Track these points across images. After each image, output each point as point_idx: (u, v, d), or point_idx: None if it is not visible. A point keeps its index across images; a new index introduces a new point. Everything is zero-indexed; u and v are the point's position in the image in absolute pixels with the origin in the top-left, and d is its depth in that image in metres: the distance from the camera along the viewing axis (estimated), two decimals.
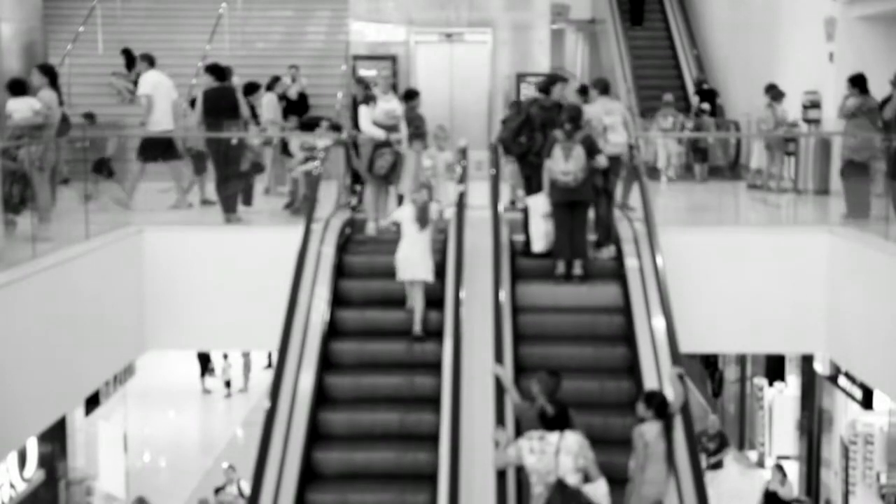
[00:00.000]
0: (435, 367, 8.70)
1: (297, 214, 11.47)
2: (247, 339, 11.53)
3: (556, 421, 6.78)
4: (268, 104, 13.38)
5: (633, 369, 8.87)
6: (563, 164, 9.52)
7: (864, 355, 9.94)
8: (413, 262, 9.15)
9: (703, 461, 13.14)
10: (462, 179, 10.46)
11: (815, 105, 14.00)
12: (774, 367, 16.03)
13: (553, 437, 6.72)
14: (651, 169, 14.89)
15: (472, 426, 7.61)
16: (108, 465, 14.23)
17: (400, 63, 18.35)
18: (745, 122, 15.96)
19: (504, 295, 8.94)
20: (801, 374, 14.89)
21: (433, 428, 8.22)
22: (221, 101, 11.39)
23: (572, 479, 6.63)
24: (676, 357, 8.02)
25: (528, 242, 10.24)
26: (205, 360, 20.98)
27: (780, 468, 13.46)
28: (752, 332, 10.51)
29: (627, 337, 9.19)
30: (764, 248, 10.45)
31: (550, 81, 10.60)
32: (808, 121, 14.14)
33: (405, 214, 9.32)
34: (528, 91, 16.53)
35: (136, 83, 13.29)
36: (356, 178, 11.79)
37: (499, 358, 7.95)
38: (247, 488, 10.25)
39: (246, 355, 20.73)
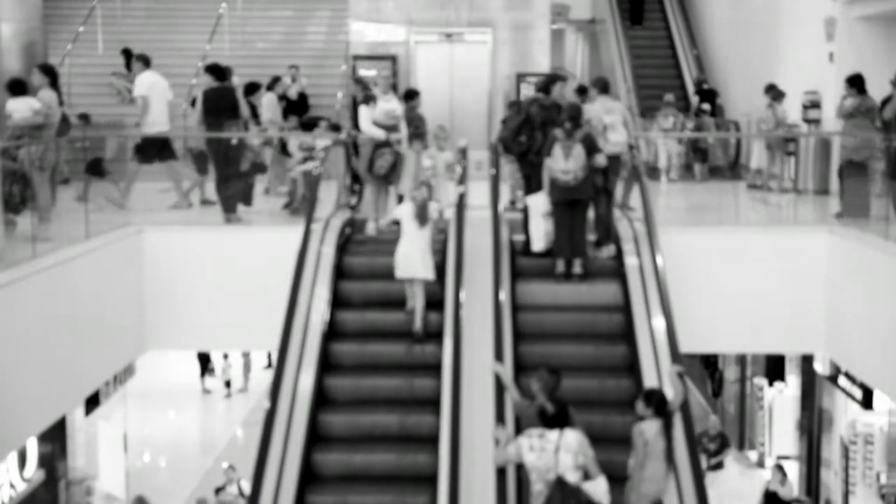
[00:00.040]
0: (435, 368, 8.69)
1: (295, 214, 11.47)
2: (247, 339, 11.53)
3: (556, 419, 6.79)
4: (268, 104, 13.39)
5: (632, 368, 8.88)
6: (563, 162, 9.53)
7: (864, 355, 9.94)
8: (412, 260, 9.14)
9: (704, 462, 13.15)
10: (462, 180, 10.45)
11: (815, 105, 14.01)
12: (774, 367, 16.03)
13: (553, 434, 6.73)
14: (651, 169, 14.90)
15: (472, 428, 7.60)
16: (108, 465, 14.23)
17: (400, 63, 18.36)
18: (745, 122, 15.96)
19: (504, 294, 8.94)
20: (801, 374, 14.89)
21: (433, 430, 8.21)
22: (221, 101, 11.39)
23: (572, 477, 6.64)
24: (676, 355, 8.03)
25: (528, 242, 10.24)
26: (205, 360, 20.98)
27: (780, 468, 13.46)
28: (752, 332, 10.51)
29: (627, 335, 9.19)
30: (764, 248, 10.45)
31: (550, 81, 10.62)
32: (808, 121, 14.15)
33: (405, 212, 9.31)
34: (528, 91, 16.53)
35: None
36: (356, 178, 11.79)
37: (499, 356, 7.96)
38: (247, 488, 10.25)
39: (246, 355, 20.73)
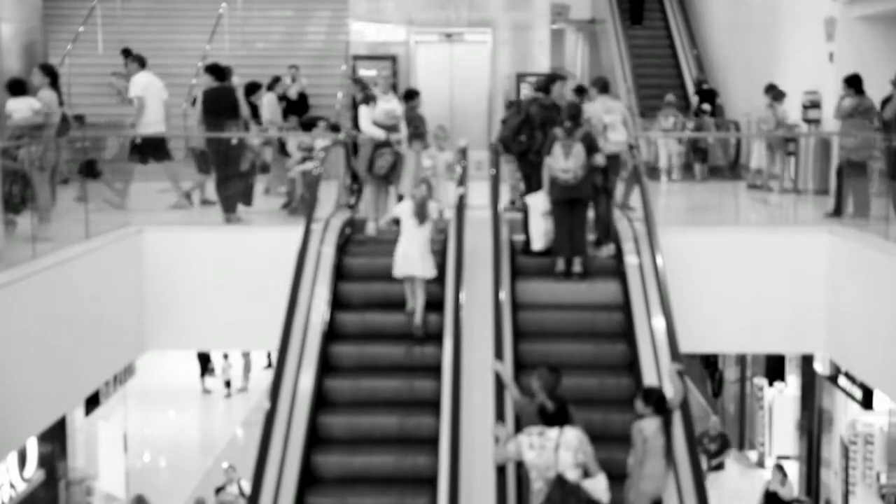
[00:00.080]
0: (435, 370, 8.68)
1: (294, 214, 11.47)
2: (247, 339, 11.53)
3: (556, 417, 6.81)
4: (268, 104, 13.39)
5: (632, 366, 8.88)
6: (563, 161, 9.54)
7: (864, 355, 9.94)
8: (411, 258, 9.14)
9: (705, 463, 13.16)
10: (462, 180, 10.45)
11: (815, 105, 14.01)
12: (774, 367, 16.03)
13: (552, 432, 6.75)
14: (651, 169, 14.91)
15: (472, 429, 7.59)
16: (108, 465, 14.23)
17: (400, 63, 18.35)
18: (745, 122, 15.96)
19: (504, 294, 8.94)
20: (801, 374, 14.89)
21: (433, 431, 8.20)
22: (221, 101, 11.39)
23: (572, 475, 6.66)
24: (676, 354, 8.03)
25: (527, 242, 10.25)
26: (205, 360, 20.98)
27: (780, 468, 13.46)
28: (752, 332, 10.52)
29: (627, 334, 9.20)
30: (764, 248, 10.45)
31: (550, 80, 10.63)
32: (808, 121, 14.15)
33: (404, 209, 9.31)
34: (528, 91, 16.53)
35: None
36: (355, 177, 11.78)
37: (499, 355, 7.96)
38: (247, 488, 10.25)
39: (246, 355, 20.73)
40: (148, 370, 16.10)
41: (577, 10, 22.30)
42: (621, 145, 10.62)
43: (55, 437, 12.07)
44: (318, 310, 9.30)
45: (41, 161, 9.77)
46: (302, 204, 11.36)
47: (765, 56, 16.58)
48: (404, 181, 10.78)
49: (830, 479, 13.81)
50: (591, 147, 9.67)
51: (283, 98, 14.56)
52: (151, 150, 11.84)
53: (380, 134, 10.79)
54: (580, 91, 11.84)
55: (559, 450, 6.68)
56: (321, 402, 8.77)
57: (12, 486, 11.26)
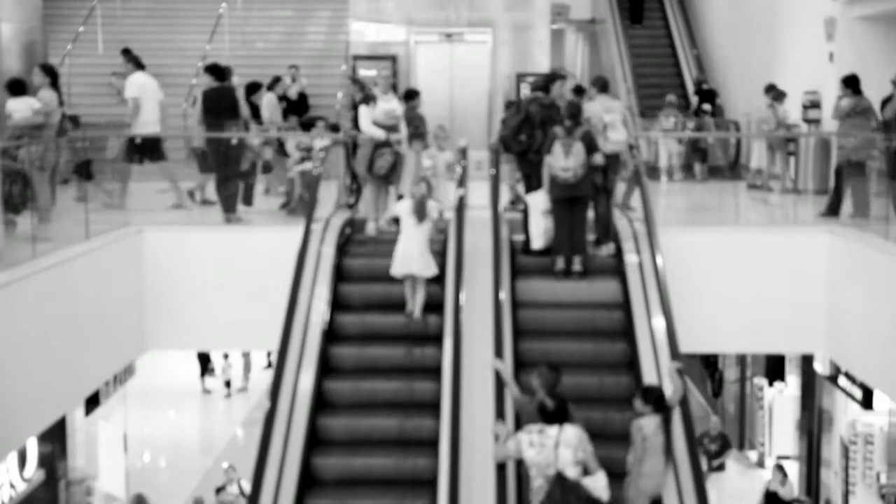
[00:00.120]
0: (434, 371, 8.66)
1: (293, 214, 11.47)
2: (247, 339, 11.53)
3: (556, 414, 6.82)
4: (267, 104, 13.40)
5: (632, 364, 8.89)
6: (563, 160, 9.55)
7: (864, 355, 9.94)
8: (410, 256, 9.13)
9: (705, 464, 13.15)
10: (462, 181, 10.45)
11: (815, 105, 14.02)
12: (774, 367, 16.03)
13: (552, 430, 6.77)
14: (651, 169, 14.91)
15: (472, 431, 7.58)
16: (108, 465, 14.23)
17: (400, 63, 18.35)
18: (745, 122, 15.96)
19: (504, 293, 8.94)
20: (801, 374, 14.89)
21: (433, 433, 8.18)
22: (221, 101, 11.39)
23: (571, 472, 6.67)
24: (675, 352, 8.04)
25: (527, 241, 10.25)
26: (205, 360, 20.98)
27: (780, 468, 13.46)
28: (752, 332, 10.52)
29: (626, 333, 9.20)
30: (764, 248, 10.45)
31: (549, 79, 10.63)
32: (808, 121, 14.15)
33: (403, 208, 9.31)
34: (528, 91, 16.53)
35: None
36: (354, 177, 11.78)
37: (499, 353, 7.96)
38: (248, 487, 10.25)
39: (246, 355, 20.73)
40: (148, 370, 16.10)
41: (577, 10, 22.30)
42: (621, 145, 10.62)
43: (55, 437, 12.07)
44: (317, 310, 9.30)
45: (41, 161, 9.77)
46: (300, 204, 11.36)
47: (765, 56, 16.58)
48: (404, 181, 10.78)
49: (830, 479, 13.81)
50: (590, 146, 9.68)
51: (283, 98, 14.56)
52: (146, 150, 11.83)
53: (380, 134, 10.79)
54: (579, 91, 11.85)
55: (559, 447, 6.69)
56: (321, 403, 8.75)
57: (12, 486, 11.26)
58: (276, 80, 14.42)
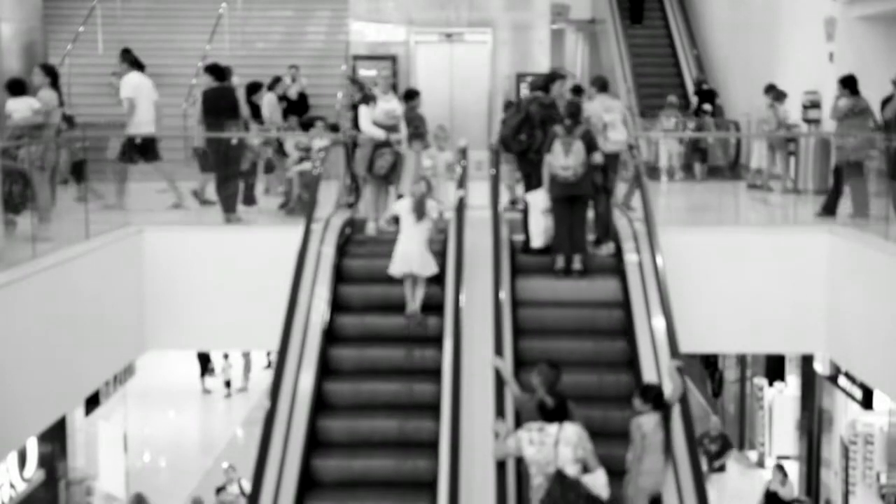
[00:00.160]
0: (434, 373, 8.66)
1: (291, 214, 11.47)
2: (247, 339, 11.52)
3: (556, 412, 6.83)
4: (268, 104, 13.40)
5: (631, 363, 8.89)
6: (563, 158, 9.56)
7: (864, 355, 9.94)
8: (410, 255, 9.13)
9: (706, 465, 13.14)
10: (462, 181, 10.45)
11: (815, 105, 14.02)
12: (774, 367, 16.03)
13: (552, 428, 6.78)
14: (651, 169, 14.91)
15: (472, 433, 7.57)
16: (108, 465, 14.23)
17: (400, 63, 18.36)
18: (745, 122, 15.96)
19: (504, 293, 8.94)
20: (801, 374, 14.89)
21: (432, 435, 8.18)
22: (221, 101, 11.38)
23: (571, 470, 6.69)
24: (675, 350, 8.04)
25: (527, 240, 10.25)
26: (205, 360, 20.98)
27: (780, 468, 13.46)
28: (752, 332, 10.52)
29: (626, 331, 9.20)
30: (764, 248, 10.45)
31: (549, 79, 10.63)
32: (808, 121, 14.16)
33: (403, 206, 9.32)
34: (528, 91, 16.54)
35: None
36: (353, 177, 11.78)
37: (499, 351, 7.97)
38: (248, 487, 10.25)
39: (246, 355, 20.73)
40: (148, 370, 16.10)
41: (577, 10, 22.30)
42: (621, 144, 10.63)
43: (55, 437, 12.07)
44: (317, 310, 9.29)
45: (41, 161, 9.77)
46: (299, 204, 11.37)
47: (765, 56, 16.58)
48: (404, 181, 10.78)
49: (830, 479, 13.81)
50: (590, 145, 9.68)
51: (283, 98, 14.57)
52: (141, 150, 11.82)
53: (380, 134, 10.79)
54: (577, 91, 11.85)
55: (559, 445, 6.71)
56: (321, 405, 8.74)
57: (12, 486, 11.26)
58: (277, 80, 14.43)
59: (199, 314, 10.40)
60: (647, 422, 7.15)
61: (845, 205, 11.23)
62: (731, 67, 18.59)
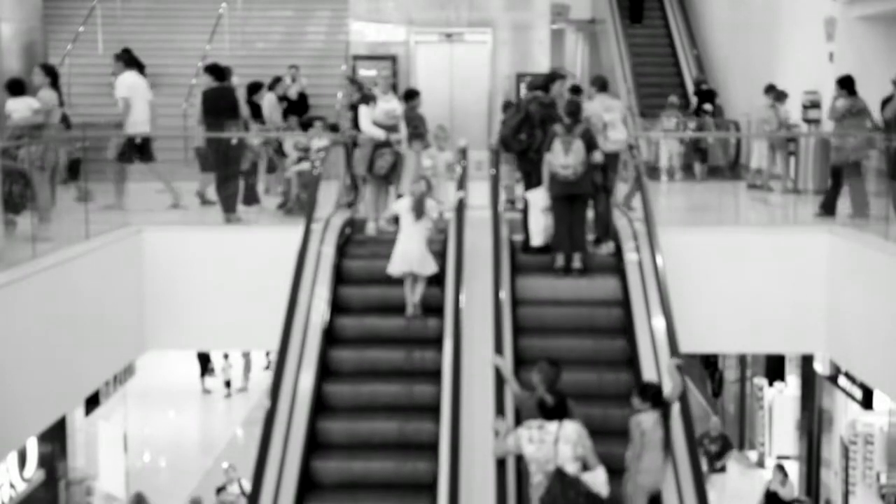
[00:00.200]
0: (434, 374, 8.65)
1: (290, 214, 11.47)
2: (247, 339, 11.52)
3: (555, 410, 6.84)
4: (268, 104, 13.40)
5: (631, 361, 8.89)
6: (563, 157, 9.56)
7: (864, 355, 9.94)
8: (410, 255, 9.13)
9: (706, 465, 13.14)
10: (462, 182, 10.45)
11: (815, 105, 14.01)
12: (774, 367, 16.03)
13: (552, 426, 6.79)
14: (651, 169, 14.91)
15: (472, 434, 7.56)
16: (108, 465, 14.23)
17: (400, 63, 18.35)
18: (745, 122, 15.96)
19: (504, 292, 8.94)
20: (801, 374, 14.89)
21: (432, 437, 8.17)
22: (221, 101, 11.38)
23: (571, 468, 6.70)
24: (675, 349, 8.04)
25: (527, 239, 10.25)
26: (205, 360, 20.98)
27: (781, 468, 13.46)
28: (752, 332, 10.51)
29: (626, 330, 9.21)
30: (764, 248, 10.45)
31: (549, 79, 10.64)
32: (808, 121, 14.15)
33: (402, 206, 9.33)
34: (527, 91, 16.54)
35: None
36: (354, 177, 11.78)
37: (499, 350, 7.96)
38: (248, 487, 10.25)
39: (246, 355, 20.73)
40: (148, 370, 16.10)
41: (577, 10, 22.30)
42: (621, 144, 10.63)
43: (55, 437, 12.07)
44: (317, 310, 9.29)
45: (41, 161, 9.77)
46: (297, 204, 11.37)
47: (765, 56, 16.58)
48: (404, 181, 10.78)
49: (830, 479, 13.81)
50: (590, 144, 9.69)
51: (283, 98, 14.57)
52: (136, 150, 11.81)
53: (380, 134, 10.79)
54: (576, 90, 11.85)
55: (558, 443, 6.71)
56: (320, 406, 8.73)
57: (12, 486, 11.26)
58: (277, 80, 14.43)
59: (199, 314, 10.40)
60: (646, 419, 7.16)
61: (845, 205, 11.23)
62: (731, 67, 18.59)
